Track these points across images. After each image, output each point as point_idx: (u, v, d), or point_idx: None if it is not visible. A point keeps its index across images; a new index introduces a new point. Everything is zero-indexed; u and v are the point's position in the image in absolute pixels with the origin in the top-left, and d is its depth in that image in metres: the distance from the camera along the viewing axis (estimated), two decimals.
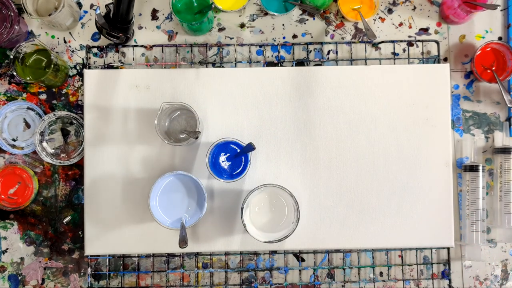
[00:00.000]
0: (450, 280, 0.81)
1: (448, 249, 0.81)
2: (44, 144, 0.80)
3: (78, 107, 0.82)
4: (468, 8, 0.77)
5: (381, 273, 0.82)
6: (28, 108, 0.81)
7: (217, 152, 0.74)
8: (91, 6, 0.84)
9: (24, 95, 0.82)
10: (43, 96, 0.82)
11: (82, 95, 0.81)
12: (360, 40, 0.84)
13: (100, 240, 0.78)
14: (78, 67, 0.83)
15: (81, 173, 0.81)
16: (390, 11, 0.85)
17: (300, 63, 0.83)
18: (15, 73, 0.77)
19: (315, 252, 0.81)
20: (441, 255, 0.82)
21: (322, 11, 0.84)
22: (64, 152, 0.81)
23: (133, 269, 0.80)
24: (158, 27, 0.84)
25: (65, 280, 0.80)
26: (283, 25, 0.84)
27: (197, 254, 0.80)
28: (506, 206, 0.80)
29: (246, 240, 0.78)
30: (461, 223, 0.81)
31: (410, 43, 0.84)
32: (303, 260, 0.81)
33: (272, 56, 0.83)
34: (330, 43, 0.83)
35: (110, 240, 0.78)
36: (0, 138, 0.80)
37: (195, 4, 0.80)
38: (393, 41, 0.84)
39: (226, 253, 0.81)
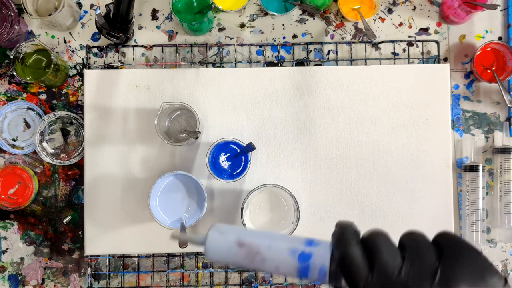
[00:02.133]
0: None
1: None
2: (44, 144, 0.80)
3: (78, 107, 0.82)
4: (468, 8, 0.77)
5: None
6: (28, 108, 0.81)
7: (217, 152, 0.74)
8: (91, 6, 0.84)
9: (24, 95, 0.82)
10: (43, 96, 0.82)
11: (82, 95, 0.81)
12: (360, 40, 0.84)
13: (100, 240, 0.78)
14: (78, 67, 0.83)
15: (81, 173, 0.81)
16: (390, 11, 0.85)
17: (300, 63, 0.83)
18: (15, 73, 0.77)
19: None
20: None
21: (322, 11, 0.84)
22: (64, 152, 0.81)
23: (133, 269, 0.80)
24: (158, 27, 0.84)
25: (65, 280, 0.80)
26: (283, 25, 0.84)
27: (197, 254, 0.80)
28: (506, 206, 0.80)
29: None
30: (461, 223, 0.81)
31: (410, 43, 0.84)
32: None
33: (272, 56, 0.83)
34: (330, 43, 0.83)
35: (110, 240, 0.78)
36: (0, 138, 0.80)
37: (195, 4, 0.80)
38: (393, 41, 0.84)
39: None
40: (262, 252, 0.39)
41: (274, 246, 0.39)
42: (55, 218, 0.81)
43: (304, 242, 0.39)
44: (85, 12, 0.84)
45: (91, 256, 0.79)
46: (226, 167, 0.74)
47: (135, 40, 0.83)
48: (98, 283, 0.80)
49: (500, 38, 0.85)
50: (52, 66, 0.76)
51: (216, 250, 0.40)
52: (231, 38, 0.84)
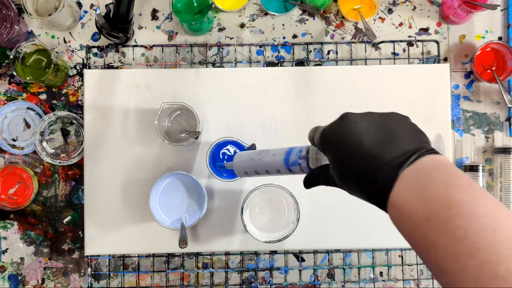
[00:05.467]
0: None
1: None
2: (44, 144, 0.80)
3: (78, 107, 0.82)
4: (468, 8, 0.77)
5: (381, 273, 0.82)
6: (28, 108, 0.81)
7: (217, 151, 0.74)
8: (91, 6, 0.84)
9: (24, 95, 0.82)
10: (43, 96, 0.82)
11: (82, 95, 0.81)
12: (360, 40, 0.84)
13: (100, 240, 0.78)
14: (78, 67, 0.83)
15: (81, 173, 0.81)
16: (390, 11, 0.85)
17: (300, 63, 0.83)
18: (15, 73, 0.77)
19: (315, 252, 0.81)
20: None
21: (322, 11, 0.84)
22: (64, 152, 0.81)
23: (133, 269, 0.80)
24: (158, 27, 0.84)
25: (65, 280, 0.80)
26: (283, 25, 0.84)
27: (197, 254, 0.80)
28: (506, 206, 0.80)
29: (246, 240, 0.78)
30: None
31: (410, 43, 0.84)
32: (303, 260, 0.81)
33: (272, 56, 0.83)
34: (330, 43, 0.83)
35: (110, 240, 0.78)
36: (0, 138, 0.80)
37: (195, 4, 0.80)
38: (393, 41, 0.84)
39: (226, 253, 0.81)
40: (267, 149, 0.56)
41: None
42: (55, 218, 0.81)
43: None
44: (85, 12, 0.84)
45: (91, 256, 0.79)
46: None
47: (135, 40, 0.83)
48: (98, 283, 0.80)
49: (500, 38, 0.85)
50: (52, 66, 0.76)
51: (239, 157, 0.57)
52: (231, 38, 0.84)
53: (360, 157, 0.40)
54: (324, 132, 0.45)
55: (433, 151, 0.39)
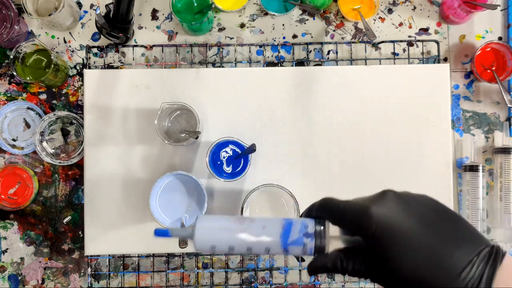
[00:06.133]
0: None
1: None
2: (44, 144, 0.80)
3: (78, 107, 0.82)
4: (468, 8, 0.77)
5: None
6: (28, 108, 0.81)
7: (217, 151, 0.74)
8: (91, 6, 0.84)
9: (24, 95, 0.82)
10: (43, 96, 0.82)
11: (82, 95, 0.81)
12: (360, 40, 0.84)
13: (100, 240, 0.78)
14: (78, 67, 0.83)
15: (81, 173, 0.81)
16: (390, 11, 0.85)
17: (300, 63, 0.83)
18: (15, 73, 0.77)
19: None
20: None
21: (322, 11, 0.84)
22: (64, 152, 0.81)
23: (133, 269, 0.80)
24: (158, 27, 0.84)
25: (65, 280, 0.80)
26: (283, 25, 0.84)
27: (197, 254, 0.80)
28: (506, 206, 0.80)
29: None
30: None
31: (410, 43, 0.84)
32: (303, 260, 0.81)
33: (272, 56, 0.83)
34: (330, 43, 0.83)
35: (110, 240, 0.78)
36: (0, 138, 0.80)
37: (195, 4, 0.80)
38: (393, 41, 0.84)
39: (226, 253, 0.81)
40: (251, 217, 0.41)
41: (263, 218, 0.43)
42: (55, 218, 0.81)
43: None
44: (85, 12, 0.84)
45: (91, 256, 0.79)
46: (226, 166, 0.74)
47: (135, 40, 0.83)
48: (98, 283, 0.80)
49: (500, 38, 0.85)
50: (52, 66, 0.76)
51: (206, 224, 0.40)
52: (231, 38, 0.84)
53: (429, 255, 0.34)
54: (372, 213, 0.37)
55: (499, 246, 0.35)
